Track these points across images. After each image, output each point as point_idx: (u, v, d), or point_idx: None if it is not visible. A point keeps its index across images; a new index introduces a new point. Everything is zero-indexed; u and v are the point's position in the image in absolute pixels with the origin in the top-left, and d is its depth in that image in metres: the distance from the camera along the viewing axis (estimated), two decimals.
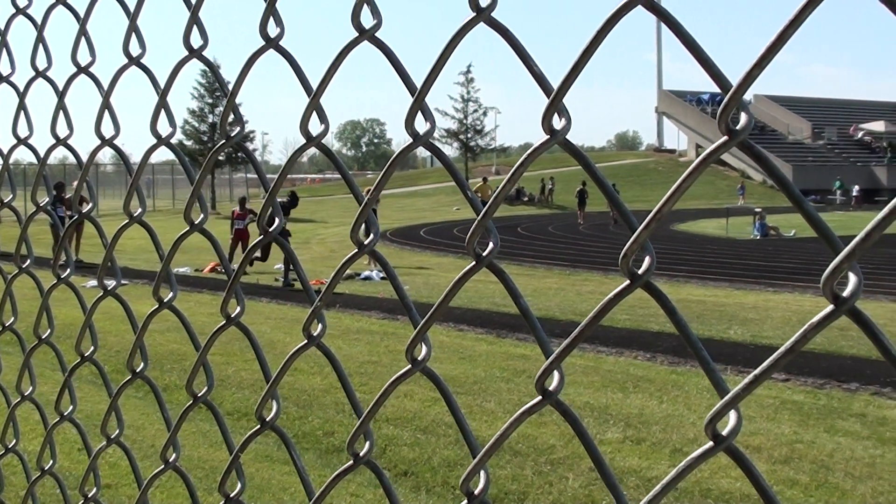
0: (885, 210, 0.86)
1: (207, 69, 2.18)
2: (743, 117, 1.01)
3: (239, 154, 57.78)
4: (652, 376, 11.47)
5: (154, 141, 1.98)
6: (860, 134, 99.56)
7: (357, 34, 1.45)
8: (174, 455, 2.11)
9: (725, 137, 1.00)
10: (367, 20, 1.45)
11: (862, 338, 13.68)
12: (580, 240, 39.72)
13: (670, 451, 8.56)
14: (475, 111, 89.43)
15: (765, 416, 9.71)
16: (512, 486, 7.63)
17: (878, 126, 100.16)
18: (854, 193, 78.55)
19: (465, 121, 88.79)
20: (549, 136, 1.19)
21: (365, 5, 1.44)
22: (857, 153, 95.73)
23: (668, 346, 13.26)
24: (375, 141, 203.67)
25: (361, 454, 1.58)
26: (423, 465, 8.21)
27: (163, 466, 2.13)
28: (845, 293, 0.91)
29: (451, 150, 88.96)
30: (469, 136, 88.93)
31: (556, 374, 1.23)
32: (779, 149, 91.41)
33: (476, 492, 1.35)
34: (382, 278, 23.21)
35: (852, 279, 0.92)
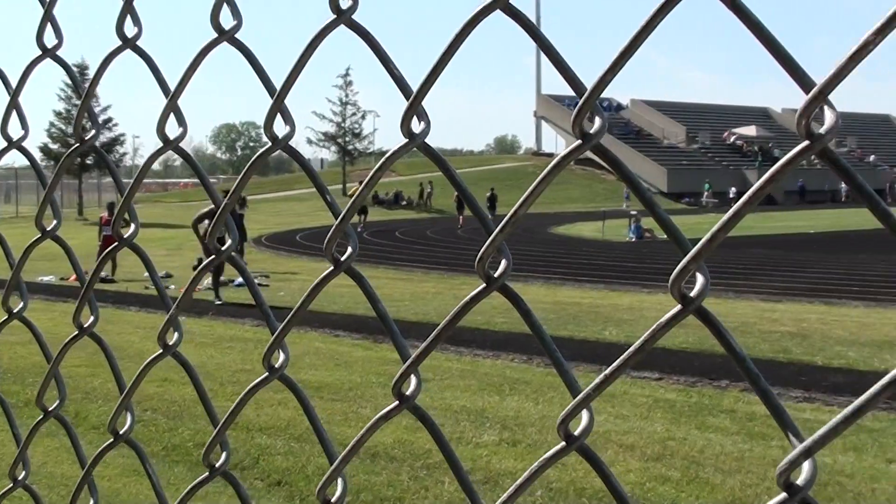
0: (729, 213, 0.88)
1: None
2: (597, 121, 1.02)
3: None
4: (528, 378, 11.57)
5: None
6: (733, 138, 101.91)
7: (216, 35, 1.43)
8: (24, 472, 2.04)
9: (579, 141, 1.01)
10: (227, 21, 1.43)
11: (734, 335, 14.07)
12: (458, 244, 39.87)
13: (546, 451, 8.62)
14: (353, 114, 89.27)
15: (638, 415, 9.86)
16: (388, 491, 7.61)
17: (750, 131, 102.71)
18: (730, 196, 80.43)
19: (343, 124, 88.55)
20: (407, 140, 1.18)
21: (225, 5, 1.42)
22: (730, 157, 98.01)
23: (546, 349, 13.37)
24: (252, 144, 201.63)
25: (217, 465, 1.54)
26: (297, 473, 8.14)
27: (11, 485, 2.06)
28: (692, 293, 0.92)
29: (328, 154, 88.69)
30: (347, 139, 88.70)
31: (413, 378, 1.23)
32: (654, 152, 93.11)
33: (333, 499, 1.33)
34: (259, 285, 23.06)
35: (699, 280, 0.93)
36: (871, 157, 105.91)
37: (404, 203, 75.05)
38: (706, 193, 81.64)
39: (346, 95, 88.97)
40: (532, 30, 1.08)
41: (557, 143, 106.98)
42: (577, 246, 37.99)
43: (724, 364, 12.07)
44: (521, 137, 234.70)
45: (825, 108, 0.84)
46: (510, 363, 12.71)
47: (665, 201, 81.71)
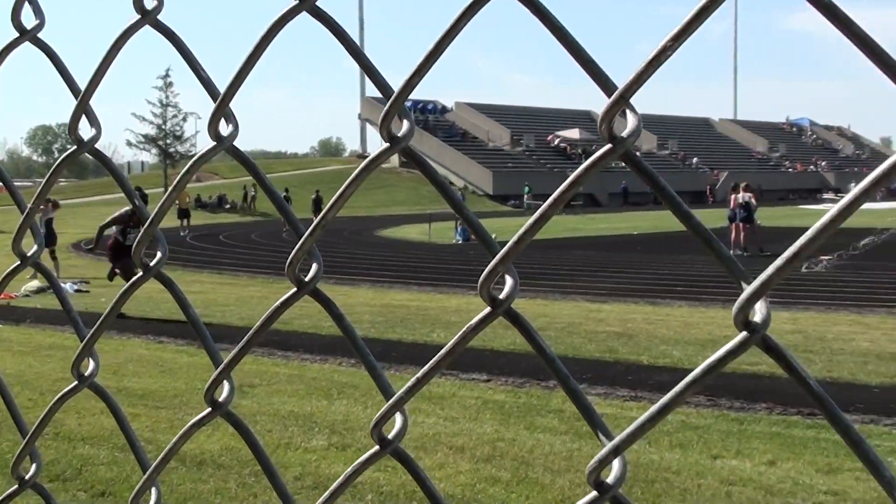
0: (535, 216, 0.88)
1: None
2: (405, 124, 1.02)
3: None
4: (356, 382, 11.54)
5: None
6: (557, 141, 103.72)
7: (18, 35, 1.38)
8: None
9: (387, 145, 1.01)
10: (29, 20, 1.38)
11: (559, 336, 14.20)
12: (284, 247, 39.53)
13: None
14: (174, 116, 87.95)
15: (468, 417, 9.93)
16: (215, 499, 7.49)
17: (574, 133, 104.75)
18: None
19: (163, 126, 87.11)
20: (215, 143, 1.16)
21: (27, 4, 1.37)
22: (554, 159, 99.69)
23: (373, 352, 13.34)
24: (69, 147, 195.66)
25: (27, 477, 1.49)
26: (121, 483, 7.94)
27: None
28: (502, 295, 0.93)
29: (150, 157, 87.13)
30: (168, 141, 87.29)
31: (225, 384, 1.21)
32: (480, 155, 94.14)
33: None
34: (77, 290, 22.46)
35: (508, 282, 0.94)
36: (694, 160, 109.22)
37: (228, 206, 74.22)
38: (526, 196, 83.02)
39: (167, 97, 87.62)
40: (339, 33, 1.07)
41: (382, 146, 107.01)
42: (405, 248, 38.11)
43: None
44: (345, 140, 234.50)
45: (627, 111, 0.85)
46: (338, 367, 12.66)
47: (491, 203, 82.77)
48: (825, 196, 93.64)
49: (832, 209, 0.73)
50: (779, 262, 0.76)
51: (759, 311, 0.79)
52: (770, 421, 9.64)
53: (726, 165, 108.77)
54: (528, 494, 7.60)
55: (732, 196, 31.80)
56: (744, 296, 0.78)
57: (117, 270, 19.98)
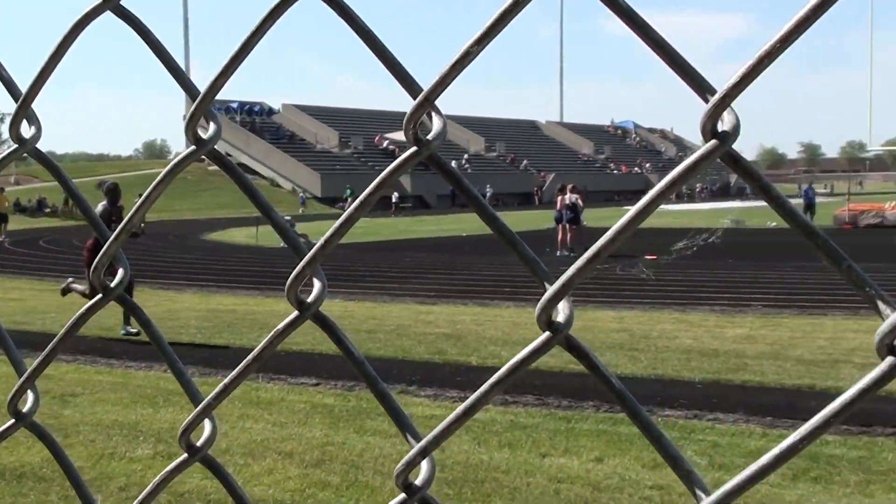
0: (342, 218, 0.88)
1: None
2: (211, 126, 1.00)
3: None
4: (182, 389, 11.34)
5: None
6: (385, 143, 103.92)
7: None
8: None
9: (193, 147, 0.99)
10: None
11: (389, 339, 14.23)
12: None
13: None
14: None
15: (296, 422, 9.86)
16: None
17: (401, 136, 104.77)
18: (394, 200, 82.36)
19: None
20: (17, 145, 1.13)
21: None
22: (383, 162, 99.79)
23: (200, 357, 13.21)
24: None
25: None
26: None
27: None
28: (309, 299, 0.92)
29: None
30: None
31: (30, 394, 1.17)
32: (308, 157, 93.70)
33: None
34: None
35: (316, 285, 0.93)
36: (524, 162, 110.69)
37: (48, 210, 72.15)
38: (348, 199, 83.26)
39: None
40: (143, 31, 1.05)
41: (189, 149, 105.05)
42: (231, 252, 37.68)
43: (380, 367, 12.27)
44: (170, 142, 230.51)
45: (433, 114, 0.86)
46: (164, 374, 12.42)
47: (320, 206, 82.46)
48: None
49: (630, 211, 0.75)
50: (579, 262, 0.77)
51: (562, 311, 0.80)
52: (597, 419, 9.83)
53: (553, 167, 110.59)
54: (359, 498, 7.59)
55: (559, 197, 32.32)
56: (546, 296, 0.79)
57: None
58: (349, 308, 18.72)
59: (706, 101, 0.73)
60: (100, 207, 15.47)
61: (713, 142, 0.71)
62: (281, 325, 0.92)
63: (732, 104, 0.72)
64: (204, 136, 1.00)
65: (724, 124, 0.72)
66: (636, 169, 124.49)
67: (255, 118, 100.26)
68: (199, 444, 1.01)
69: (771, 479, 7.78)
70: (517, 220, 54.00)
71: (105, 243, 1.07)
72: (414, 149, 0.85)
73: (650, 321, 16.51)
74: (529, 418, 9.93)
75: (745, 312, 17.52)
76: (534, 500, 7.49)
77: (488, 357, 13.19)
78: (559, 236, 31.59)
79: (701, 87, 0.75)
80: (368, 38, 0.90)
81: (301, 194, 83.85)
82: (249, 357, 0.94)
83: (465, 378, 11.94)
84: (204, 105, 0.98)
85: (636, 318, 16.89)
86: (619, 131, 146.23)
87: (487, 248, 32.84)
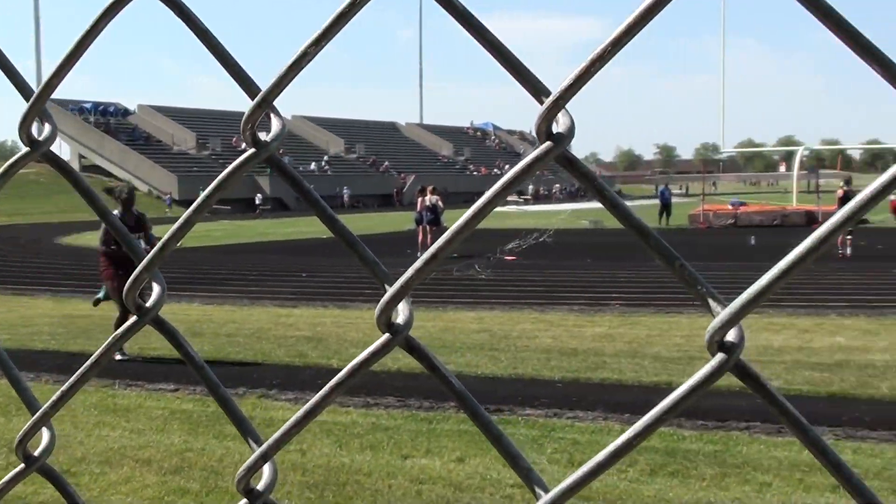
0: (180, 221, 0.87)
1: None
2: (47, 127, 0.98)
3: None
4: (37, 397, 11.08)
5: None
6: (243, 145, 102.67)
7: None
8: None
9: (27, 149, 0.97)
10: None
11: (248, 342, 14.08)
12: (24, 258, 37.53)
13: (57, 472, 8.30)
14: None
15: (154, 428, 9.71)
16: None
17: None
18: (257, 202, 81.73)
19: None
20: (29, 148, 1.09)
21: None
22: None
23: (54, 365, 12.90)
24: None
25: None
26: None
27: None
28: (148, 303, 0.91)
29: None
30: None
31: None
32: (164, 159, 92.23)
33: None
34: None
35: (155, 289, 0.92)
36: (385, 164, 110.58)
37: None
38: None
39: None
40: None
41: (62, 149, 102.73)
42: (87, 257, 36.84)
43: (240, 373, 12.14)
44: (21, 144, 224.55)
45: (272, 115, 0.85)
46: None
47: (177, 209, 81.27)
48: (509, 198, 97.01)
49: (466, 213, 0.75)
50: (417, 264, 0.77)
51: (401, 313, 0.80)
52: (458, 419, 9.87)
53: (414, 169, 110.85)
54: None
55: (420, 199, 32.40)
56: (385, 298, 0.80)
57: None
58: (208, 312, 18.50)
59: (541, 102, 0.73)
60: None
61: (548, 143, 0.72)
62: (119, 331, 0.91)
63: (567, 106, 0.73)
64: (39, 137, 0.97)
65: (559, 126, 0.72)
66: (496, 170, 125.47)
67: (110, 119, 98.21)
68: (36, 453, 0.99)
69: (629, 474, 7.94)
70: (378, 222, 54.09)
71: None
72: (252, 150, 0.84)
73: (510, 321, 16.66)
74: (391, 420, 9.94)
75: (604, 311, 17.81)
76: (396, 501, 7.51)
77: (350, 359, 12.99)
78: (420, 238, 31.69)
79: (536, 88, 0.75)
80: (205, 38, 0.89)
81: (167, 196, 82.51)
82: (88, 363, 0.92)
83: (326, 381, 11.35)
84: (38, 106, 0.96)
85: (496, 319, 17.03)
86: (479, 133, 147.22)
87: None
